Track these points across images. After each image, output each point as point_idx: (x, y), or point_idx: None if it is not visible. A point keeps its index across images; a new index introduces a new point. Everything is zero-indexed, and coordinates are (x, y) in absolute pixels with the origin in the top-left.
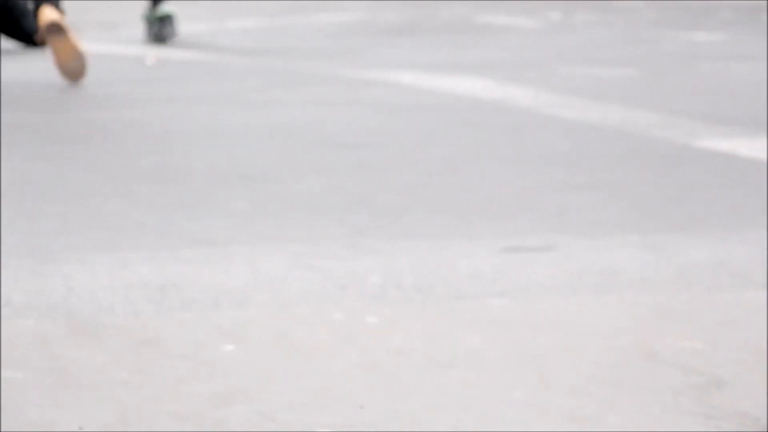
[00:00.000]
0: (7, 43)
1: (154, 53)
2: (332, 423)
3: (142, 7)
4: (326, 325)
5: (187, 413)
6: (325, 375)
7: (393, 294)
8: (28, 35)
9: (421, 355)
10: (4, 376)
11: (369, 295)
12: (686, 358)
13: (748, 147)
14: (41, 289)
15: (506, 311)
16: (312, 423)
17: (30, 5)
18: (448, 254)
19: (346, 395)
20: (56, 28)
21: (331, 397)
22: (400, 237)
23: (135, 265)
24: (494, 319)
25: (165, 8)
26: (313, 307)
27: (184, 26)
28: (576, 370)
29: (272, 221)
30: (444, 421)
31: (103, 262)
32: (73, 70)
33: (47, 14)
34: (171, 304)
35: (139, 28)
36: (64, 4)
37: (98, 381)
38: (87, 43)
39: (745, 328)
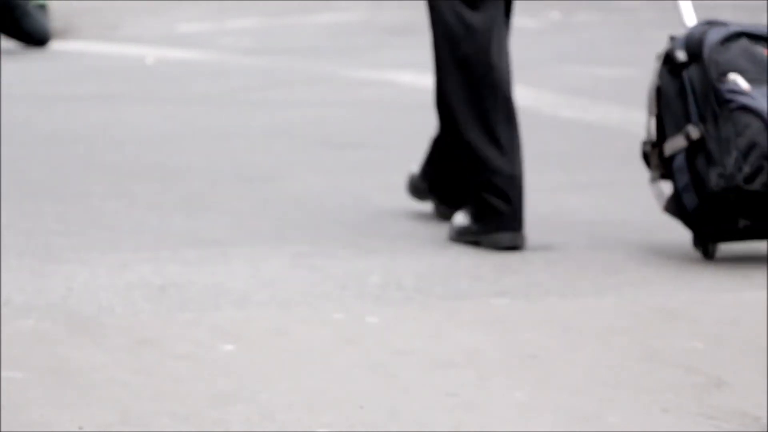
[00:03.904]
0: (7, 43)
1: (154, 53)
2: (332, 423)
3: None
4: (326, 325)
5: (187, 413)
6: (325, 375)
7: (393, 294)
8: (28, 35)
9: (421, 355)
10: (4, 376)
11: (369, 295)
12: (686, 358)
13: None
14: (41, 289)
15: (506, 311)
16: (312, 423)
17: (30, 5)
18: (448, 254)
19: (346, 395)
20: None
21: (331, 397)
22: (400, 237)
23: (135, 265)
24: (494, 319)
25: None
26: (313, 307)
27: (184, 26)
28: (576, 370)
29: (272, 221)
30: (444, 421)
31: (103, 262)
32: None
33: None
34: (171, 304)
35: (139, 28)
36: (66, 5)
37: (98, 381)
38: (87, 43)
39: (745, 328)
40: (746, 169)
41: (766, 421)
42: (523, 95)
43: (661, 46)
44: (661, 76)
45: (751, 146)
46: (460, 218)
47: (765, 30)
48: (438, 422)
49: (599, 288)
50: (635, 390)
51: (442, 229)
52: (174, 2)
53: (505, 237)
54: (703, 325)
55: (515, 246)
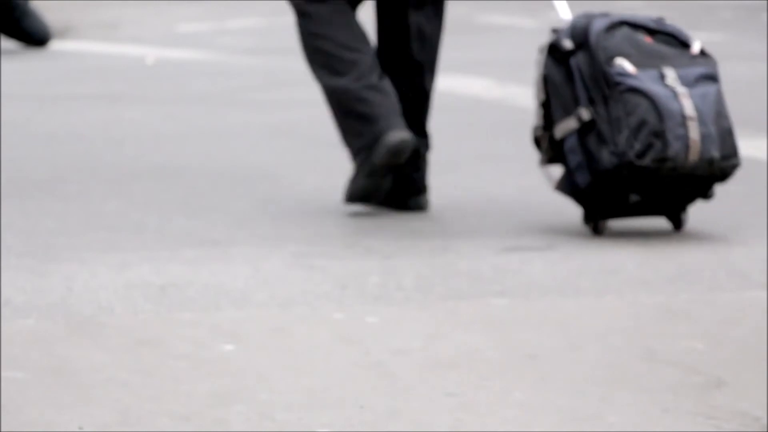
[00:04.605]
0: (7, 43)
1: (155, 53)
2: (332, 423)
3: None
4: (326, 325)
5: (187, 413)
6: (325, 375)
7: (393, 294)
8: (28, 35)
9: (421, 355)
10: (4, 376)
11: (369, 295)
12: (686, 358)
13: (747, 147)
14: (41, 289)
15: (506, 311)
16: (312, 423)
17: (30, 5)
18: (448, 254)
19: (346, 395)
20: None
21: (331, 397)
22: (400, 237)
23: (135, 265)
24: (494, 319)
25: None
26: (313, 307)
27: (184, 26)
28: (576, 370)
29: (272, 221)
30: (444, 421)
31: (103, 262)
32: None
33: None
34: (171, 304)
35: (139, 28)
36: (66, 4)
37: (98, 381)
38: (87, 43)
39: (745, 328)
40: (637, 146)
41: (766, 421)
42: (523, 95)
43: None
44: (546, 66)
45: (641, 124)
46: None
47: (643, 19)
48: (438, 422)
49: (599, 288)
50: (635, 390)
51: (442, 229)
52: (174, 2)
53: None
54: (703, 325)
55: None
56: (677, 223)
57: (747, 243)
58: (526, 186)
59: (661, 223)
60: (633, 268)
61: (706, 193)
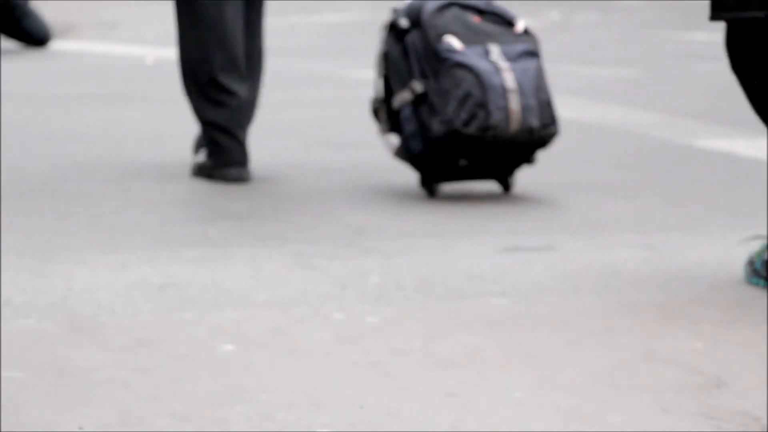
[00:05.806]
0: (7, 43)
1: (154, 53)
2: (332, 423)
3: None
4: (326, 325)
5: (187, 413)
6: (325, 375)
7: (393, 294)
8: (28, 35)
9: (421, 355)
10: (4, 376)
11: (369, 295)
12: (686, 358)
13: (747, 147)
14: (41, 289)
15: (506, 311)
16: (312, 423)
17: (30, 5)
18: (448, 254)
19: (346, 395)
20: None
21: (331, 397)
22: (400, 237)
23: (135, 265)
24: (494, 319)
25: None
26: (313, 307)
27: None
28: (576, 370)
29: (272, 221)
30: (444, 421)
31: (103, 262)
32: None
33: None
34: (171, 304)
35: (139, 28)
36: (66, 4)
37: (98, 381)
38: (87, 43)
39: (745, 328)
40: (463, 116)
41: (766, 421)
42: None
43: (661, 46)
44: (386, 42)
45: (467, 96)
46: (199, 156)
47: (473, 1)
48: (438, 422)
49: (599, 288)
50: (635, 390)
51: (442, 229)
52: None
53: (232, 171)
54: (703, 325)
55: (241, 179)
56: (506, 186)
57: (747, 243)
58: (526, 186)
59: (660, 223)
60: (633, 268)
61: (528, 159)
